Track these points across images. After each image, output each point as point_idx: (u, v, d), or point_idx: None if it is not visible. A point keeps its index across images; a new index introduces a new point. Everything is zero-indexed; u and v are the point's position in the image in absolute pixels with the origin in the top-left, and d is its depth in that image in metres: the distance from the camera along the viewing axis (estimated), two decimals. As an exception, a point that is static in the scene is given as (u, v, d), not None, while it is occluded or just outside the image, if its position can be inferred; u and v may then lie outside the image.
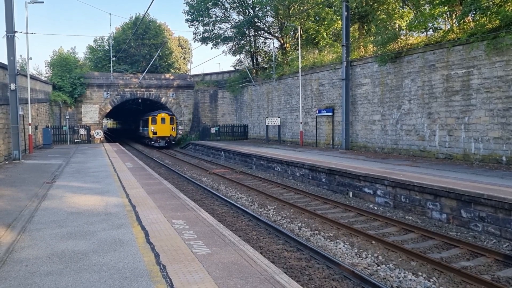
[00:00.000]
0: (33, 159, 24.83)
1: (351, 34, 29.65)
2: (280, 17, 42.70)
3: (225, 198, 16.96)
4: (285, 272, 8.58)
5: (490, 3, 18.87)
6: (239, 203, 16.33)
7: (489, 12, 18.63)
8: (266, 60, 48.98)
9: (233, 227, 12.86)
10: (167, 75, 52.08)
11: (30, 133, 28.26)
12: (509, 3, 18.12)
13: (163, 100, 49.59)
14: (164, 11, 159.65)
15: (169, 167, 28.65)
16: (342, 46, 28.49)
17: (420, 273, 9.15)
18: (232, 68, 54.04)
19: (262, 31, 47.75)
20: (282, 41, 44.71)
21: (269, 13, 44.40)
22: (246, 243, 7.97)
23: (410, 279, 8.79)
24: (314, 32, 37.22)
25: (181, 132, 50.33)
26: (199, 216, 10.08)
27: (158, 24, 62.74)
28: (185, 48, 76.39)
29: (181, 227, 9.02)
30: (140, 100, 50.40)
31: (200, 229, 8.88)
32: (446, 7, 21.38)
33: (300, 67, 33.62)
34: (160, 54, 55.66)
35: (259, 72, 46.93)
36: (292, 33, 43.07)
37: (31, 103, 28.36)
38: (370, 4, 30.39)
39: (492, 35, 17.91)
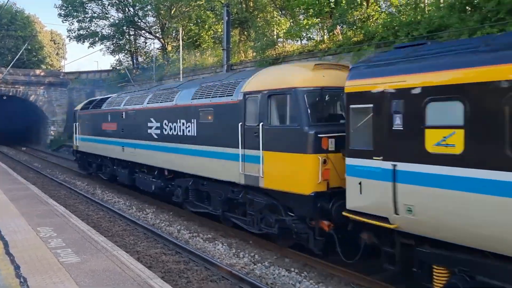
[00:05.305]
0: None
1: (232, 39, 30.25)
2: (162, 18, 42.03)
3: (101, 203, 16.20)
4: (163, 277, 8.46)
5: (356, 18, 20.75)
6: (116, 207, 15.71)
7: (354, 27, 20.50)
8: (147, 60, 47.77)
9: (109, 233, 12.32)
10: (38, 71, 47.87)
11: None
12: (371, 20, 20.17)
13: (32, 98, 45.36)
14: (33, 1, 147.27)
15: (38, 170, 26.46)
16: (223, 50, 28.91)
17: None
18: (111, 68, 51.74)
19: (143, 31, 46.50)
20: (163, 42, 43.99)
21: (150, 13, 43.46)
22: (119, 249, 7.75)
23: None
24: (195, 34, 37.33)
25: (53, 133, 46.71)
26: (69, 222, 9.51)
27: (26, 15, 57.79)
28: (58, 43, 71.27)
29: (47, 235, 8.43)
30: (5, 98, 45.53)
31: (70, 236, 8.39)
32: (317, 19, 22.97)
33: (181, 69, 33.38)
34: (29, 47, 51.30)
35: (139, 72, 45.59)
36: (173, 34, 42.65)
37: None
38: (250, 11, 31.36)
39: (357, 47, 19.67)
